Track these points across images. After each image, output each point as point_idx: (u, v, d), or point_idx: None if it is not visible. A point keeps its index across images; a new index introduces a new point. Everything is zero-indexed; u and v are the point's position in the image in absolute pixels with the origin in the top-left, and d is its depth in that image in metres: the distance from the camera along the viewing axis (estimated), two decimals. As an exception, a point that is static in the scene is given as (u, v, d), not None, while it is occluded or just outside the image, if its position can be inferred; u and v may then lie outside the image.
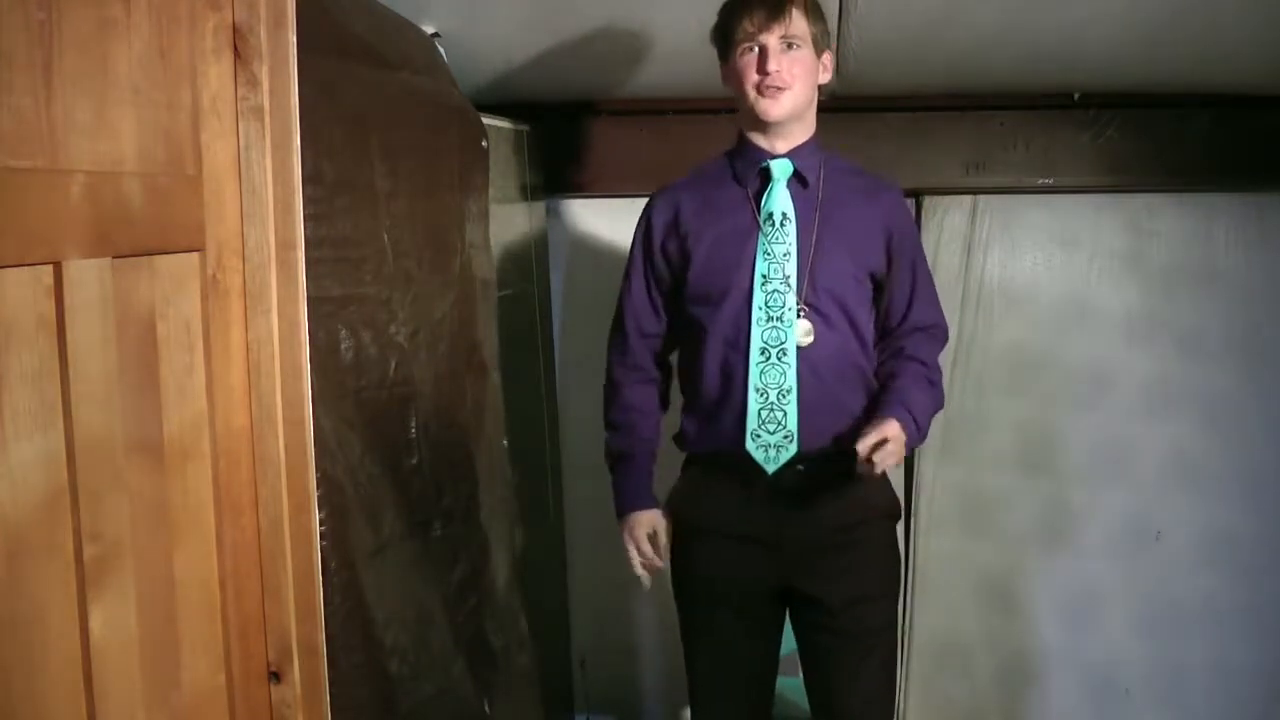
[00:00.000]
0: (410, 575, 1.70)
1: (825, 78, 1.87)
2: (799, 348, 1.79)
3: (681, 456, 2.01)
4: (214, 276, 1.16)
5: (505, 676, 2.04)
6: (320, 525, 1.33)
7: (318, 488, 1.31)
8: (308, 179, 1.27)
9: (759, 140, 1.86)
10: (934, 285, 1.97)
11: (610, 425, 2.02)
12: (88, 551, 0.94)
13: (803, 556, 1.83)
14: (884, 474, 1.77)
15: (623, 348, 2.00)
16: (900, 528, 2.79)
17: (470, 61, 2.21)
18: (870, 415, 1.80)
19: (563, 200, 2.83)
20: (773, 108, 1.79)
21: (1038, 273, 2.76)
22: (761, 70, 1.77)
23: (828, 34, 1.87)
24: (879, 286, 1.89)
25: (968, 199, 2.74)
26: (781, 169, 1.84)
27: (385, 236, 1.67)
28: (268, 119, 1.19)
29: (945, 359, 2.77)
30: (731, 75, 1.84)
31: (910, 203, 2.77)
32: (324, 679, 1.31)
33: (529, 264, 2.70)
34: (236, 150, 1.18)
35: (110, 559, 0.97)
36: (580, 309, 2.88)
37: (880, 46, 2.25)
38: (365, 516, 1.57)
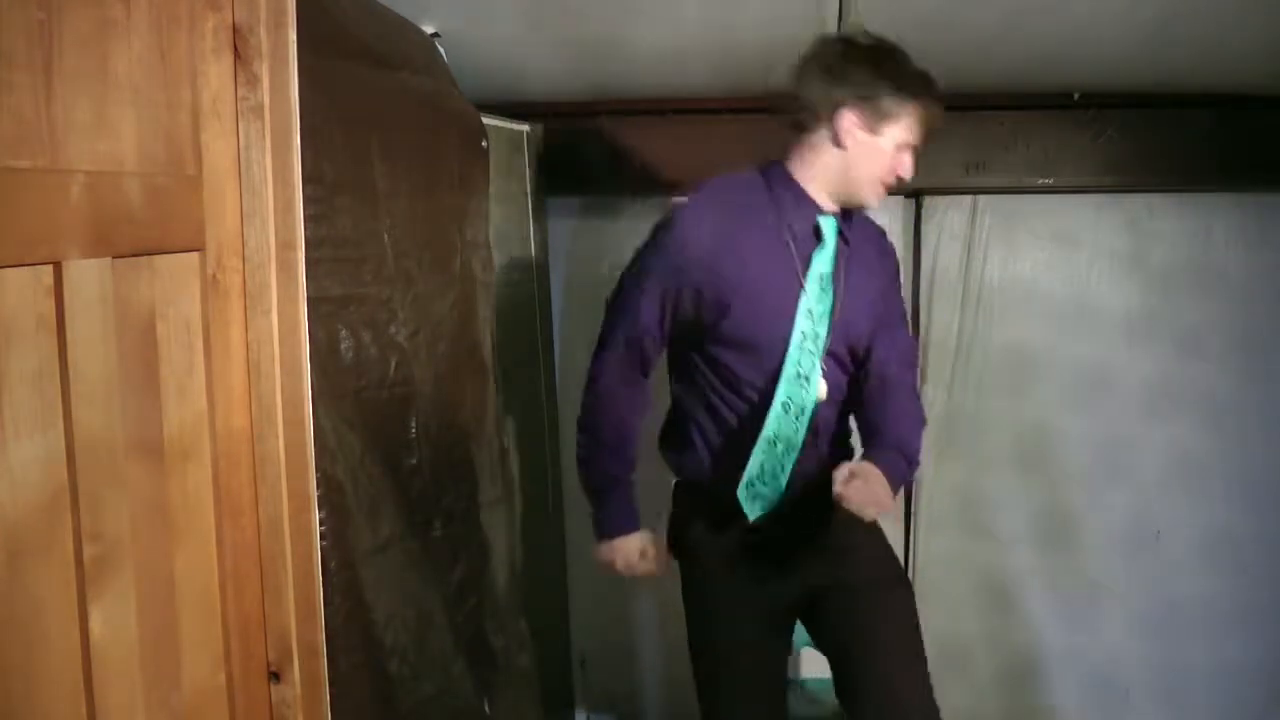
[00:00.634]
0: (410, 575, 1.70)
1: None
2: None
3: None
4: (214, 276, 1.16)
5: (505, 676, 2.04)
6: (320, 525, 1.33)
7: (318, 488, 1.31)
8: (308, 179, 1.27)
9: (816, 195, 1.77)
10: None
11: (598, 443, 1.89)
12: (88, 551, 0.94)
13: (802, 563, 1.83)
14: (877, 531, 1.78)
15: (621, 359, 1.85)
16: (900, 528, 2.81)
17: (470, 61, 2.21)
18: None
19: (563, 200, 2.83)
20: (879, 201, 1.78)
21: (1038, 273, 2.76)
22: (902, 173, 1.75)
23: None
24: None
25: (968, 199, 2.74)
26: (830, 228, 1.77)
27: (385, 236, 1.67)
28: (268, 119, 1.18)
29: (945, 359, 2.79)
30: (864, 147, 1.72)
31: (910, 203, 2.78)
32: (324, 679, 1.31)
33: (529, 264, 2.70)
34: (236, 150, 1.18)
35: (110, 559, 0.97)
36: (580, 309, 2.88)
37: (880, 46, 2.25)
38: (365, 516, 1.57)
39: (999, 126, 2.65)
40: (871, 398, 1.83)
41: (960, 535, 2.83)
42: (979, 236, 2.75)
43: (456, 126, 2.03)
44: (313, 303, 1.29)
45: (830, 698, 1.92)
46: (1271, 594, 2.74)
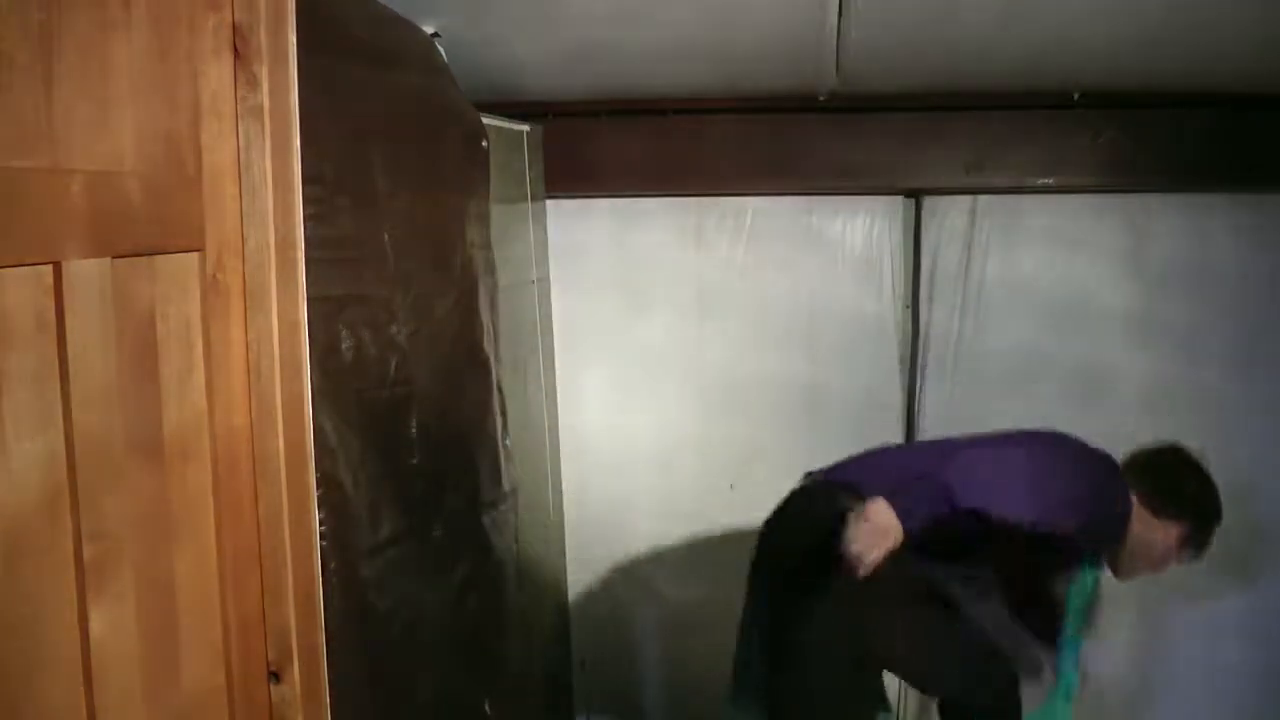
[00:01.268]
0: (410, 575, 1.70)
1: None
2: None
3: None
4: (214, 276, 1.16)
5: (505, 676, 2.04)
6: (320, 525, 1.33)
7: (318, 488, 1.31)
8: (308, 179, 1.27)
9: None
10: None
11: None
12: (88, 551, 0.94)
13: None
14: None
15: None
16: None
17: (470, 61, 2.21)
18: None
19: (563, 200, 2.83)
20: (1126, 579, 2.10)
21: (1038, 273, 2.76)
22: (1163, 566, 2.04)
23: None
24: None
25: (968, 199, 2.74)
26: None
27: (385, 236, 1.67)
28: (268, 119, 1.18)
29: (945, 359, 2.79)
30: (1160, 537, 2.01)
31: (910, 203, 2.78)
32: (324, 679, 1.31)
33: (529, 264, 2.70)
34: (236, 150, 1.18)
35: (110, 559, 0.97)
36: (580, 309, 2.88)
37: (880, 46, 2.25)
38: (365, 516, 1.57)
39: (999, 126, 2.65)
40: None
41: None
42: (979, 236, 2.74)
43: (456, 126, 2.03)
44: (313, 303, 1.29)
45: None
46: (1271, 594, 2.74)
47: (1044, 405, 2.76)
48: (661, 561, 2.92)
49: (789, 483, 2.15)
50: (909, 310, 2.80)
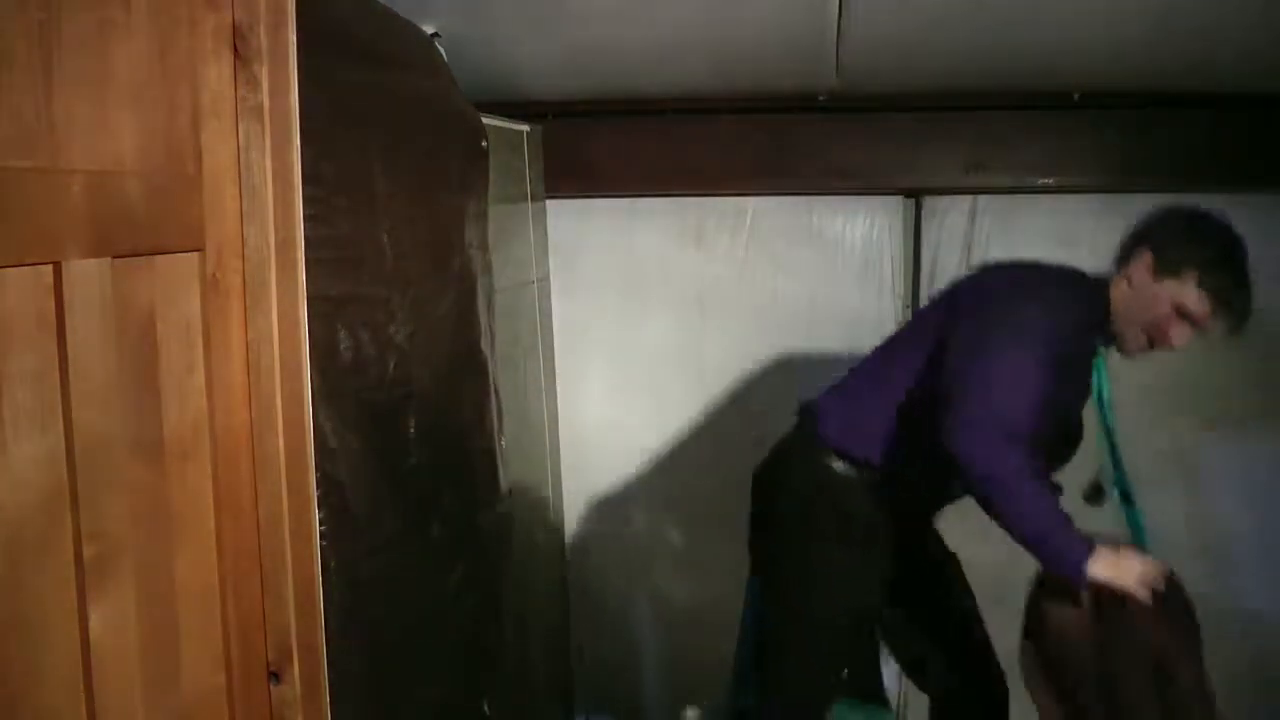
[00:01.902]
0: (410, 575, 1.70)
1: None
2: None
3: None
4: (214, 276, 1.16)
5: (505, 677, 2.04)
6: (320, 525, 1.33)
7: (318, 488, 1.31)
8: (307, 179, 1.27)
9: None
10: None
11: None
12: (88, 551, 0.94)
13: None
14: None
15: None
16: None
17: (470, 61, 2.21)
18: None
19: (563, 200, 2.83)
20: (1133, 354, 1.92)
21: (1038, 273, 2.76)
22: (1168, 339, 1.84)
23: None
24: None
25: (968, 199, 2.74)
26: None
27: (385, 236, 1.67)
28: (268, 119, 1.18)
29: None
30: (1149, 295, 1.87)
31: (910, 203, 2.78)
32: (324, 679, 1.31)
33: (529, 264, 2.70)
34: (236, 150, 1.18)
35: (110, 559, 0.97)
36: (579, 309, 2.88)
37: (880, 46, 2.25)
38: (365, 516, 1.57)
39: (999, 126, 2.65)
40: None
41: (959, 537, 2.83)
42: (979, 236, 2.74)
43: (456, 126, 2.03)
44: (312, 303, 1.29)
45: None
46: (1271, 594, 2.74)
47: (1044, 405, 2.77)
48: (661, 561, 2.93)
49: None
50: (909, 310, 2.80)
